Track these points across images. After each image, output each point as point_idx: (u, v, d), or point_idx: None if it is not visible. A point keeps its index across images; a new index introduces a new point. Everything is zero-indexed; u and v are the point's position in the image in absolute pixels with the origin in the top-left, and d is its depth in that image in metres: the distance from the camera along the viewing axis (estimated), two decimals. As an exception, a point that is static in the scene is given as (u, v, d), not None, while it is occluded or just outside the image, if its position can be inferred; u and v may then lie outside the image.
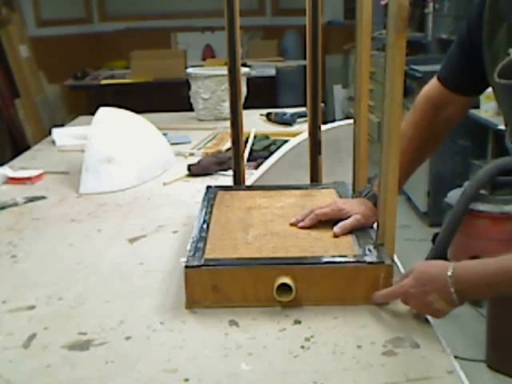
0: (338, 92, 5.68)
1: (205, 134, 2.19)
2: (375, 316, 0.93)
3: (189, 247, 1.01)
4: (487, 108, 2.94)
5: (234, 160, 1.37)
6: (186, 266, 0.95)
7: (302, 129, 1.86)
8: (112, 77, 4.81)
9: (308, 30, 1.30)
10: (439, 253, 1.14)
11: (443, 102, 1.10)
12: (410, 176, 1.15)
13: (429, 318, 0.92)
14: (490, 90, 1.09)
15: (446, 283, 0.86)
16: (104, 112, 1.74)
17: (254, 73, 4.00)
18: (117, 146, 1.67)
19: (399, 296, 0.93)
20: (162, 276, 1.09)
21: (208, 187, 1.34)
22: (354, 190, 1.24)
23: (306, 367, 0.81)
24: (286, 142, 1.68)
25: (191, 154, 1.94)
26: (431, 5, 4.03)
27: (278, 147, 1.66)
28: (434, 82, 1.14)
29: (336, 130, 1.57)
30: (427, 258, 1.12)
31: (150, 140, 1.83)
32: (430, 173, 3.45)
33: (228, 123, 1.36)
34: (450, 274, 0.86)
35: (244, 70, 2.34)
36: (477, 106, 3.00)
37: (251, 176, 1.45)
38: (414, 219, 3.69)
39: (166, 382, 0.79)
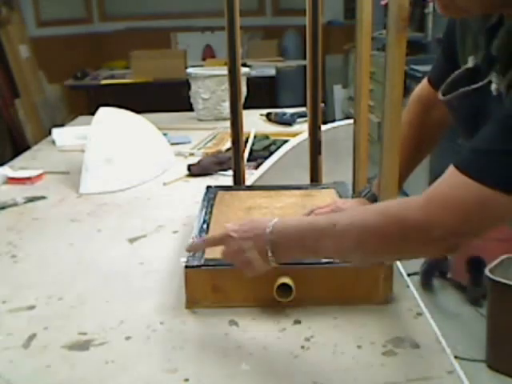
0: (338, 92, 5.68)
1: (205, 134, 2.19)
2: (375, 316, 0.93)
3: (189, 247, 1.01)
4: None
5: (234, 160, 1.37)
6: (186, 266, 0.95)
7: (302, 129, 1.86)
8: (112, 77, 4.81)
9: (308, 30, 1.30)
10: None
11: (433, 102, 1.11)
12: (407, 175, 1.15)
13: (430, 319, 0.92)
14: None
15: (264, 231, 0.84)
16: (104, 112, 1.74)
17: (254, 73, 4.00)
18: (117, 145, 1.67)
19: (218, 241, 0.91)
20: (162, 276, 1.09)
21: (208, 187, 1.34)
22: (353, 189, 1.24)
23: (306, 367, 0.81)
24: (285, 141, 1.68)
25: (191, 154, 1.94)
26: (431, 5, 4.03)
27: (278, 147, 1.66)
28: (424, 82, 1.15)
29: (336, 129, 1.57)
30: (427, 258, 1.12)
31: (150, 140, 1.83)
32: (430, 173, 3.44)
33: (228, 123, 1.36)
34: (271, 223, 0.84)
35: (244, 70, 2.34)
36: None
37: (251, 176, 1.45)
38: (414, 219, 3.68)
39: (165, 382, 0.79)
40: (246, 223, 0.89)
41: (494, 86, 0.81)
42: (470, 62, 0.89)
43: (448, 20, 1.00)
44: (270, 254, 0.84)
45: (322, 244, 0.80)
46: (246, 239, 0.86)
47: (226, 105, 2.34)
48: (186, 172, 1.71)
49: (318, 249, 0.81)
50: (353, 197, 1.21)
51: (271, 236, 0.83)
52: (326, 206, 1.12)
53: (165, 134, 1.96)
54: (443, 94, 0.93)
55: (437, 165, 3.45)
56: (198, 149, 2.00)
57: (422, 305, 0.97)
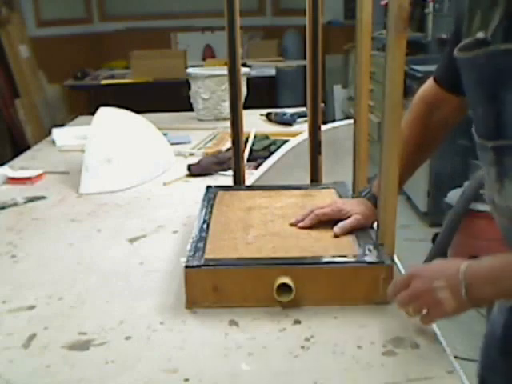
0: (338, 92, 5.68)
1: (205, 134, 2.19)
2: (375, 316, 0.93)
3: (189, 247, 1.01)
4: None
5: (234, 160, 1.37)
6: (186, 266, 0.95)
7: (302, 129, 1.86)
8: (112, 77, 4.82)
9: (308, 30, 1.30)
10: (439, 253, 1.14)
11: (438, 102, 1.10)
12: (409, 176, 1.15)
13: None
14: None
15: (457, 270, 0.81)
16: (104, 112, 1.74)
17: (254, 73, 4.00)
18: (117, 146, 1.67)
19: (407, 280, 0.87)
20: (162, 276, 1.09)
21: (208, 187, 1.34)
22: (353, 189, 1.24)
23: (306, 367, 0.81)
24: (285, 141, 1.68)
25: (191, 154, 1.94)
26: (431, 5, 4.03)
27: (278, 147, 1.66)
28: (430, 81, 1.13)
29: (336, 129, 1.57)
30: (427, 258, 1.13)
31: (150, 140, 1.83)
32: (430, 173, 3.44)
33: (228, 123, 1.36)
34: (463, 265, 0.82)
35: (244, 70, 2.34)
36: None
37: (251, 176, 1.45)
38: (414, 219, 3.69)
39: (165, 381, 0.79)
40: (436, 263, 0.87)
41: None
42: (480, 35, 0.87)
43: (455, 15, 1.00)
44: (463, 293, 0.80)
45: None
46: (438, 278, 0.83)
47: (226, 105, 2.34)
48: (186, 172, 1.71)
49: None
50: (353, 197, 1.21)
51: (466, 278, 0.81)
52: (327, 206, 1.12)
53: (165, 134, 1.96)
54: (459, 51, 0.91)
55: (437, 165, 3.45)
56: (198, 149, 2.00)
57: (422, 305, 0.96)
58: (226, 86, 1.45)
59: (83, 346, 0.88)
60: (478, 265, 0.83)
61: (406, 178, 1.12)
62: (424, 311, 0.85)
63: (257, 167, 1.62)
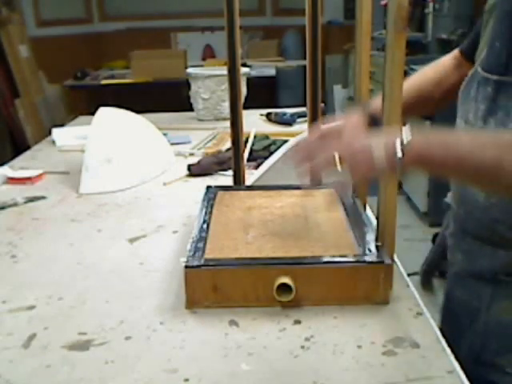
0: (338, 92, 5.68)
1: (205, 134, 2.19)
2: (375, 316, 0.93)
3: (189, 247, 1.01)
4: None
5: (234, 160, 1.37)
6: (186, 266, 0.95)
7: (302, 129, 1.86)
8: (112, 77, 4.82)
9: (308, 30, 1.30)
10: (439, 253, 1.14)
11: (457, 67, 1.13)
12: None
13: (430, 319, 0.92)
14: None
15: (396, 133, 0.77)
16: (104, 112, 1.74)
17: (254, 73, 4.00)
18: (117, 146, 1.67)
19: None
20: (162, 276, 1.09)
21: (208, 187, 1.34)
22: (353, 189, 1.24)
23: (306, 367, 0.81)
24: (285, 141, 1.68)
25: (191, 154, 1.94)
26: (431, 5, 4.04)
27: (278, 147, 1.66)
28: (454, 52, 1.19)
29: (336, 129, 1.56)
30: (427, 258, 1.13)
31: (150, 140, 1.83)
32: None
33: (228, 123, 1.36)
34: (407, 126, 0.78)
35: (244, 70, 2.34)
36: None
37: (251, 176, 1.45)
38: (414, 219, 3.69)
39: (165, 382, 0.79)
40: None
41: None
42: None
43: None
44: (399, 151, 0.75)
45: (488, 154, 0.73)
46: (371, 133, 0.77)
47: (226, 105, 2.34)
48: (186, 172, 1.71)
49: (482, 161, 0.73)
50: (353, 197, 1.21)
51: (407, 136, 0.75)
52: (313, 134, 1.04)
53: (165, 134, 1.96)
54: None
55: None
56: (198, 149, 2.00)
57: (422, 305, 0.97)
58: (225, 85, 1.44)
59: (83, 346, 0.88)
60: (427, 135, 0.79)
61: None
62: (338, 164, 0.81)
63: (257, 167, 1.62)
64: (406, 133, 0.77)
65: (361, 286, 0.95)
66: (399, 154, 0.76)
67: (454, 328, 1.07)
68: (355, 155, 0.81)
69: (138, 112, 1.91)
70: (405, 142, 0.76)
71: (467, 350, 1.00)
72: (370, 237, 1.04)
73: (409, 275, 1.08)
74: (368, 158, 0.78)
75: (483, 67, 0.98)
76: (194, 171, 1.70)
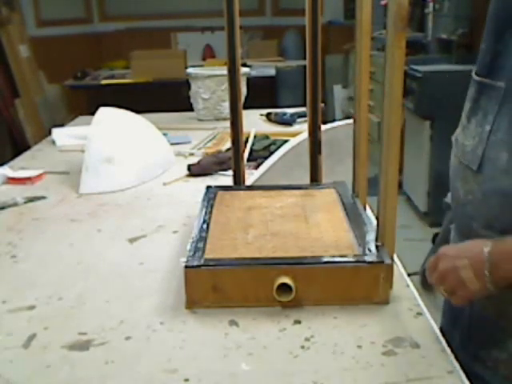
0: (338, 92, 5.68)
1: (205, 134, 2.20)
2: (375, 316, 0.93)
3: (189, 247, 1.01)
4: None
5: (233, 160, 1.37)
6: (186, 266, 0.95)
7: (302, 129, 1.86)
8: (112, 77, 4.82)
9: (308, 30, 1.30)
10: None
11: None
12: None
13: (430, 319, 0.92)
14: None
15: (482, 249, 0.79)
16: (104, 112, 1.74)
17: (254, 73, 4.00)
18: (117, 145, 1.67)
19: (435, 260, 0.86)
20: (162, 276, 1.09)
21: (208, 187, 1.34)
22: (353, 189, 1.24)
23: (306, 367, 0.81)
24: (285, 141, 1.68)
25: (191, 154, 1.94)
26: (431, 5, 4.03)
27: (278, 147, 1.66)
28: None
29: (336, 130, 1.56)
30: (427, 258, 1.12)
31: (150, 140, 1.83)
32: (430, 173, 3.45)
33: (228, 123, 1.36)
34: (488, 244, 0.80)
35: (244, 70, 2.34)
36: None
37: (251, 176, 1.45)
38: (414, 219, 3.69)
39: (166, 382, 0.79)
40: (464, 244, 0.86)
41: None
42: None
43: None
44: (486, 273, 0.78)
45: None
46: (462, 257, 0.81)
47: (226, 105, 2.34)
48: (186, 172, 1.71)
49: None
50: (353, 197, 1.21)
51: (489, 255, 0.78)
52: None
53: (165, 134, 1.96)
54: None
55: (437, 165, 3.45)
56: (198, 149, 2.00)
57: (422, 305, 0.97)
58: (225, 85, 1.45)
59: (83, 346, 0.88)
60: (504, 243, 0.80)
61: None
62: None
63: (257, 167, 1.62)
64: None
65: (361, 285, 0.95)
66: (487, 277, 0.79)
67: (452, 325, 1.08)
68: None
69: (138, 112, 1.91)
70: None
71: (459, 341, 1.01)
72: (370, 237, 1.04)
73: (409, 275, 1.08)
74: (462, 288, 0.82)
75: (476, 67, 0.99)
76: (194, 171, 1.70)
